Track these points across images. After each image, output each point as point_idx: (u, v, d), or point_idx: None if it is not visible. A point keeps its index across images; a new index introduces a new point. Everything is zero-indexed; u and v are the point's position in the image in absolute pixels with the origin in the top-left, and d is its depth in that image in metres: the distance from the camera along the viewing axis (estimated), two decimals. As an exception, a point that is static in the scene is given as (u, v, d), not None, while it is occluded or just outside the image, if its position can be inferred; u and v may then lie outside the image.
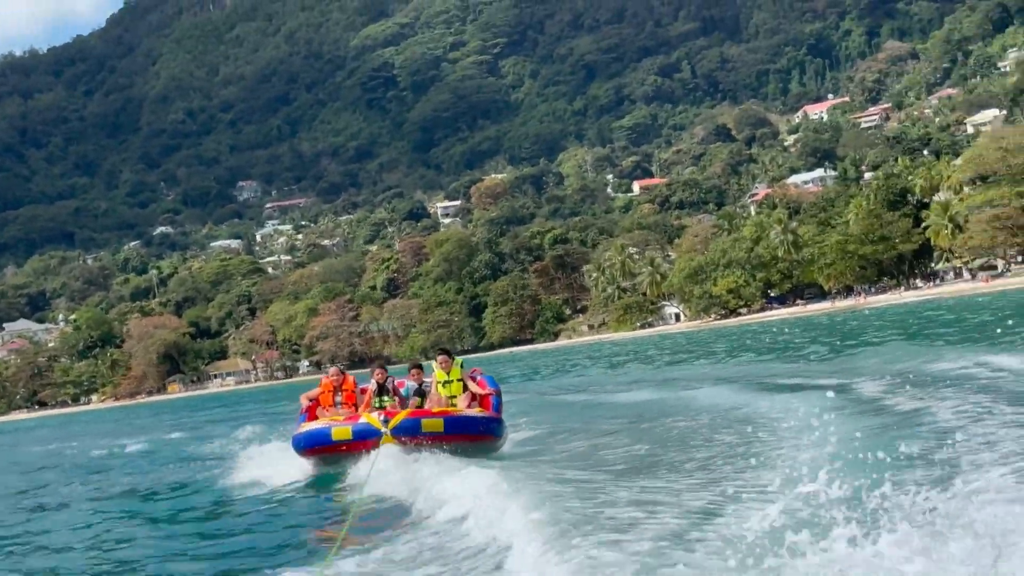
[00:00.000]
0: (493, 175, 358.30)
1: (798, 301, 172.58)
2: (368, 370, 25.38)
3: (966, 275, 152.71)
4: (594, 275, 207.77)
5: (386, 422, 21.62)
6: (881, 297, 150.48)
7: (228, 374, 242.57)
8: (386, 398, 23.37)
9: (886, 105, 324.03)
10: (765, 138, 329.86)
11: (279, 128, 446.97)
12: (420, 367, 24.65)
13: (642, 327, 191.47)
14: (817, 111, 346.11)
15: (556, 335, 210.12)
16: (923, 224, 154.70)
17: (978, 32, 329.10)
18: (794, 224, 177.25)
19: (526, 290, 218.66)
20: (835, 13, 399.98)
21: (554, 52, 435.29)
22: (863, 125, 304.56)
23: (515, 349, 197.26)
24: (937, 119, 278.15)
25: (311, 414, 24.01)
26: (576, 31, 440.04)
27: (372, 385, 23.62)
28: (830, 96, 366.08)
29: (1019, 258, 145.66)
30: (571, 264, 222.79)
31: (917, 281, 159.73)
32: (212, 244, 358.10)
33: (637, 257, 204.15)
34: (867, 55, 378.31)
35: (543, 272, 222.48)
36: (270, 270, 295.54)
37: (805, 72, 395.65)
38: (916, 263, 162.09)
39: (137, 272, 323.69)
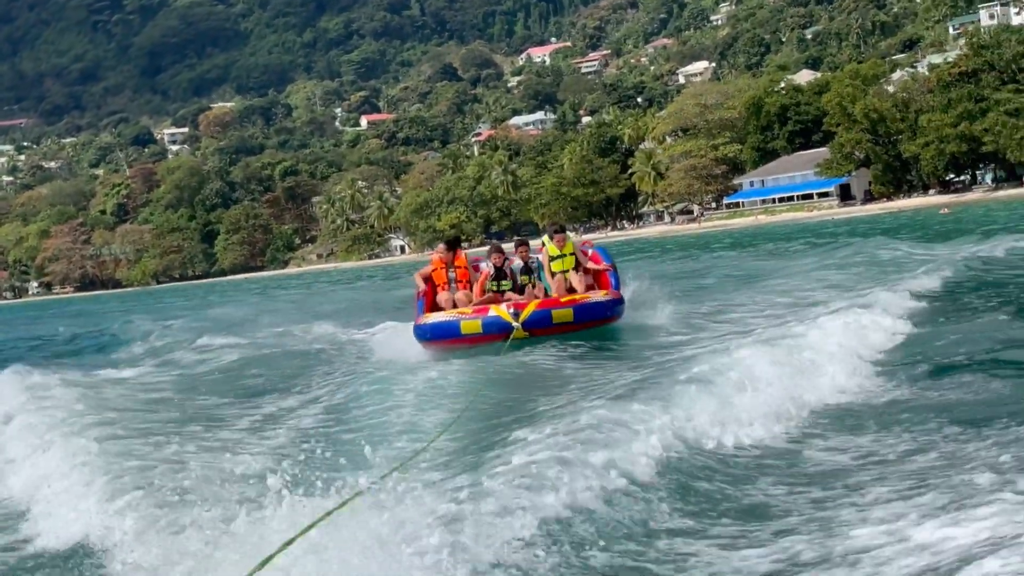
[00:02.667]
0: (221, 104, 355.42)
1: (515, 237, 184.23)
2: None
3: (667, 218, 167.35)
4: (324, 207, 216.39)
5: (516, 315, 20.98)
6: (591, 236, 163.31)
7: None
8: (504, 282, 22.82)
9: (606, 51, 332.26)
10: (490, 79, 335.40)
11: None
12: (526, 243, 23.75)
13: (369, 257, 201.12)
14: (540, 54, 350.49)
15: (286, 263, 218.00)
16: (629, 170, 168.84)
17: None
18: (514, 166, 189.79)
19: (258, 219, 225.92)
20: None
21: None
22: (584, 70, 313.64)
23: (248, 276, 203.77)
24: (652, 68, 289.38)
25: (429, 299, 23.39)
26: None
27: (490, 268, 23.03)
28: (553, 40, 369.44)
29: (713, 204, 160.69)
30: (301, 195, 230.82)
31: (624, 223, 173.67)
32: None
33: (366, 191, 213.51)
34: (590, 2, 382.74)
35: (274, 202, 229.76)
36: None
37: (530, 15, 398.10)
38: (623, 206, 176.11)
39: None
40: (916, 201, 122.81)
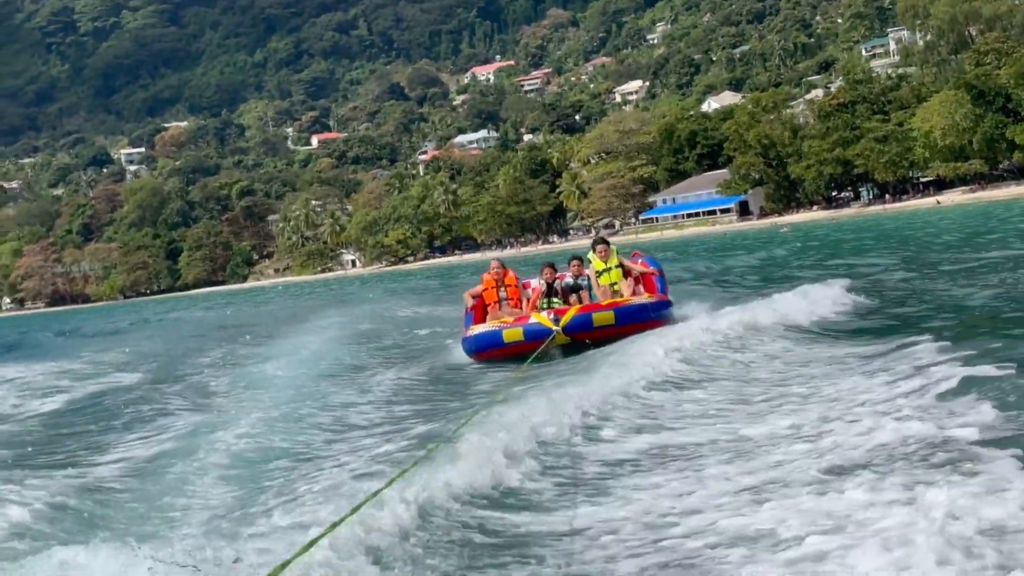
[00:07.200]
0: (175, 123, 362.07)
1: (456, 252, 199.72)
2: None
3: (592, 232, 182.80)
4: (281, 225, 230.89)
5: (556, 320, 20.84)
6: (525, 249, 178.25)
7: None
8: (555, 299, 22.67)
9: (547, 70, 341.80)
10: (436, 97, 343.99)
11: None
12: (580, 259, 23.36)
13: (323, 271, 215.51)
14: (485, 73, 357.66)
15: (246, 278, 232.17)
16: (557, 190, 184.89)
17: (631, 4, 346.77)
18: (455, 186, 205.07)
19: (218, 236, 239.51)
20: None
21: (235, 4, 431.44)
22: (526, 88, 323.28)
23: (211, 289, 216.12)
24: (592, 86, 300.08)
25: (477, 313, 23.40)
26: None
27: (541, 285, 23.01)
28: (497, 58, 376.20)
29: (633, 221, 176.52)
30: (258, 214, 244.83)
31: (553, 237, 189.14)
32: None
33: (319, 210, 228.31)
34: (532, 20, 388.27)
35: (233, 221, 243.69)
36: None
37: (475, 34, 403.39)
38: (552, 222, 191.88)
39: None
40: (800, 216, 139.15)
